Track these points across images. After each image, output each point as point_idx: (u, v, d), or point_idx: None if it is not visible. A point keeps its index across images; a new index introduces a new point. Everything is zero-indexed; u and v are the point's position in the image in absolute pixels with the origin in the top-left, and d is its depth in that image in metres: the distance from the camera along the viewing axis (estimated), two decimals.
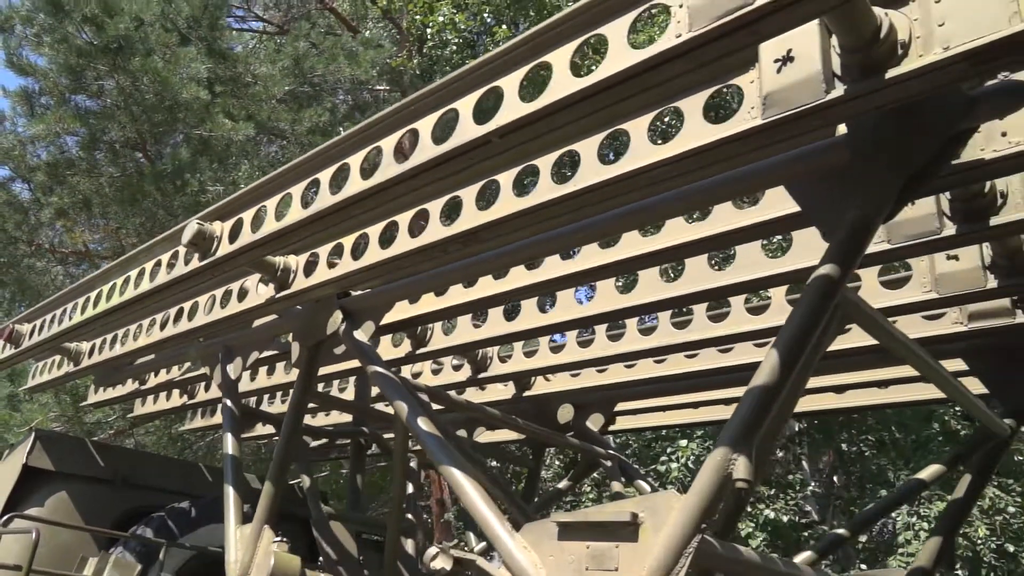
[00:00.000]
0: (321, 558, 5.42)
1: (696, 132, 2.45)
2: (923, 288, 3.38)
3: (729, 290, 3.52)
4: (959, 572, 10.08)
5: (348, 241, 3.74)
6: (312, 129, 11.88)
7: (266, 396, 6.89)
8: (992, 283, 3.20)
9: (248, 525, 4.24)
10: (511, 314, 4.48)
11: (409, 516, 5.87)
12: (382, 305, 4.12)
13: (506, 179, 3.04)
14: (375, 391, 5.95)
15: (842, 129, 2.53)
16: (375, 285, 4.01)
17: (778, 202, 2.90)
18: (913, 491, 4.35)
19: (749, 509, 10.89)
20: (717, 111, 2.38)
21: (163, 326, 4.95)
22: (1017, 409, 3.64)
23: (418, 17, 12.33)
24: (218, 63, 11.31)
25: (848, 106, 2.14)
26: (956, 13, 1.99)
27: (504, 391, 5.77)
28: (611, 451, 5.69)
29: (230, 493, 4.46)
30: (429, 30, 12.23)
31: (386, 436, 6.29)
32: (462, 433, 6.07)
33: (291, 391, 4.59)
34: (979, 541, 9.74)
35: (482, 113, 2.59)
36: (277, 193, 3.54)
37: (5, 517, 5.46)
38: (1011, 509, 9.90)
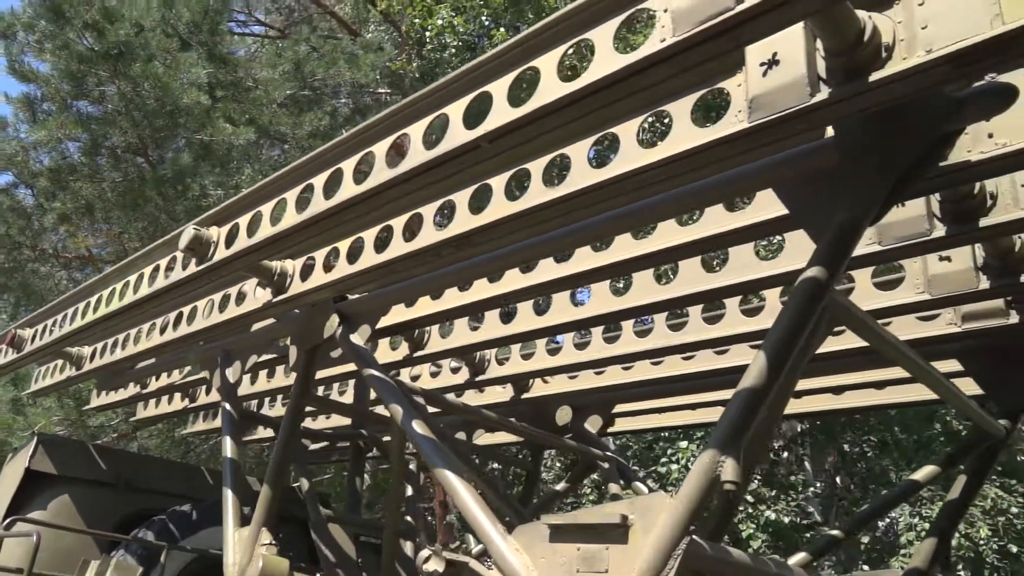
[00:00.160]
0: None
1: (685, 135, 2.46)
2: (916, 289, 3.39)
3: (722, 292, 3.54)
4: (962, 573, 10.05)
5: (344, 245, 3.76)
6: (313, 133, 11.92)
7: (267, 399, 6.92)
8: (984, 284, 3.21)
9: (246, 528, 4.26)
10: (508, 317, 4.50)
11: (408, 518, 5.88)
12: (378, 309, 4.14)
13: (498, 183, 3.06)
14: (373, 394, 5.97)
15: (830, 132, 2.54)
16: (371, 289, 4.03)
17: (770, 204, 2.91)
18: (908, 492, 4.35)
19: (751, 511, 10.88)
20: (715, 113, 2.39)
21: (163, 330, 4.98)
22: (1012, 410, 3.64)
23: (417, 21, 12.37)
24: (219, 68, 11.37)
25: (832, 109, 2.15)
26: (939, 16, 2.00)
27: (503, 393, 5.79)
28: (609, 453, 5.70)
29: (229, 496, 4.49)
30: (428, 33, 12.26)
31: (385, 439, 6.31)
32: (461, 435, 6.09)
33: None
34: (982, 542, 9.71)
35: (472, 118, 2.61)
36: (273, 198, 3.56)
37: (7, 520, 5.51)
38: (1014, 510, 9.87)
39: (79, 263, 14.04)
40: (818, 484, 12.86)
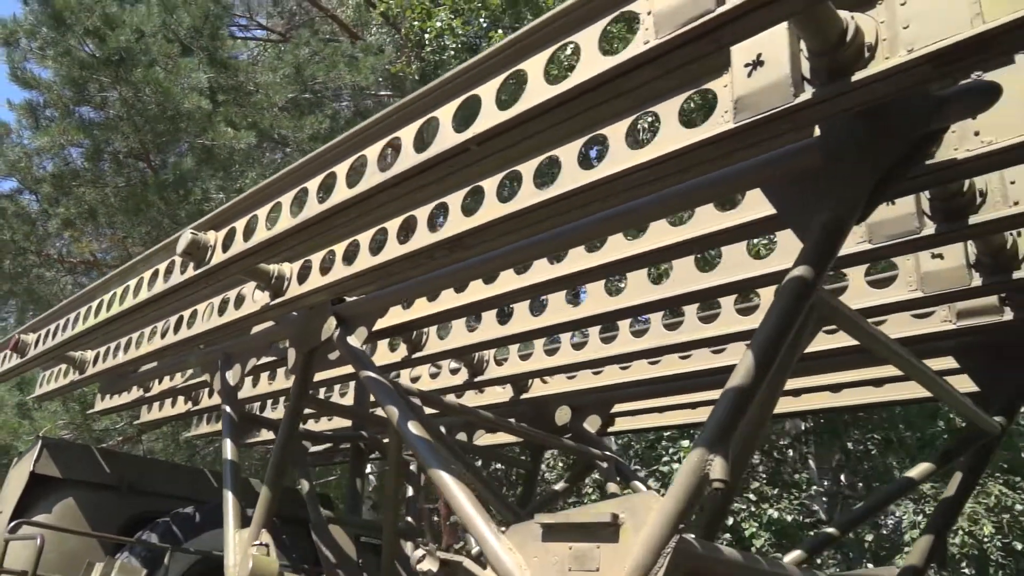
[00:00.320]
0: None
1: (672, 136, 2.48)
2: (909, 287, 3.39)
3: (716, 291, 3.55)
4: (966, 571, 10.02)
5: (340, 248, 3.79)
6: (314, 136, 11.97)
7: (269, 402, 6.96)
8: (977, 281, 3.21)
9: (247, 529, 4.30)
10: (504, 317, 4.52)
11: (408, 519, 5.91)
12: (375, 311, 4.17)
13: (490, 185, 3.08)
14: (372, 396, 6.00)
15: (818, 132, 2.56)
16: (368, 291, 4.05)
17: (760, 204, 2.92)
18: (903, 489, 4.35)
19: (754, 509, 10.87)
20: (707, 113, 2.40)
21: (164, 334, 5.02)
22: (1007, 407, 3.64)
23: (416, 23, 12.40)
24: (220, 72, 11.43)
25: (816, 109, 2.16)
26: (920, 15, 2.01)
27: (502, 393, 5.81)
28: (608, 452, 5.71)
29: (229, 498, 4.52)
30: (427, 36, 12.29)
31: (384, 440, 6.34)
32: (462, 436, 6.11)
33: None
34: (986, 539, 9.67)
35: (461, 121, 2.63)
36: (268, 202, 3.59)
37: (12, 523, 5.56)
38: (1018, 507, 9.82)
39: (84, 268, 14.12)
40: (824, 483, 12.84)
